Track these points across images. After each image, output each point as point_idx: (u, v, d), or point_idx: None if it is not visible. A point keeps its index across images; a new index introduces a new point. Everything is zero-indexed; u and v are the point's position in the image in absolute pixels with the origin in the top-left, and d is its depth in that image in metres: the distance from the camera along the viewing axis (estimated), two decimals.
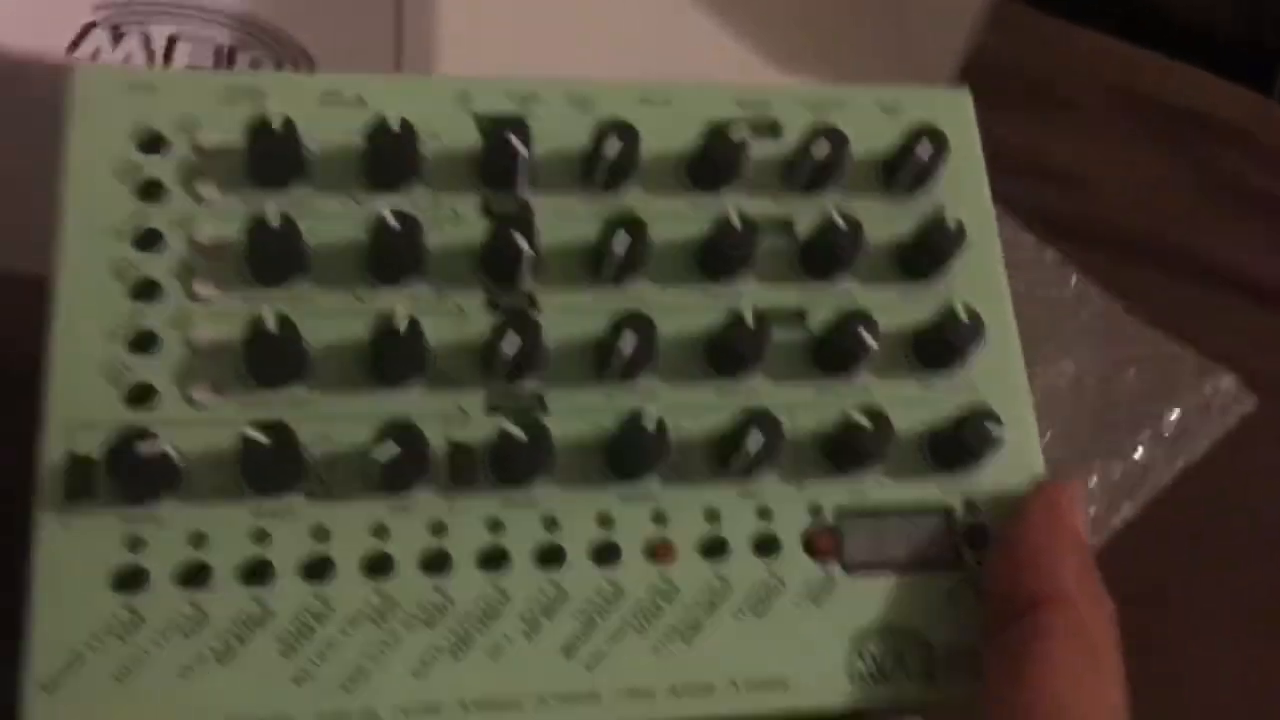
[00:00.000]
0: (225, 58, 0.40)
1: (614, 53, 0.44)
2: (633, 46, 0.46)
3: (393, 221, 0.27)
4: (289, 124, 0.28)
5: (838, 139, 0.30)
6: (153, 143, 0.28)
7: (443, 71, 0.40)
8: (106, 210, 0.28)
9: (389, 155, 0.28)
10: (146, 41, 0.39)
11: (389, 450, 0.25)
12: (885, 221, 0.31)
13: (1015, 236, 0.54)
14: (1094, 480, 0.50)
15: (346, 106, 0.29)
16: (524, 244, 0.28)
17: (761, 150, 0.31)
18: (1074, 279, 0.55)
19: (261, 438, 0.25)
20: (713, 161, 0.30)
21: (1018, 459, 0.30)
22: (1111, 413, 0.52)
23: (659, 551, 0.27)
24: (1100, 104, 0.60)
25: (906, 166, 0.31)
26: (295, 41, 0.40)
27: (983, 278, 0.31)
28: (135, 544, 0.25)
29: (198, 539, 0.25)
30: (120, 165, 0.28)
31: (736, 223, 0.29)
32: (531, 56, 0.38)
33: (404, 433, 0.26)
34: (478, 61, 0.37)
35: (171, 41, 0.40)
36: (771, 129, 0.31)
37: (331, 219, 0.28)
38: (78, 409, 0.26)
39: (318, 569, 0.26)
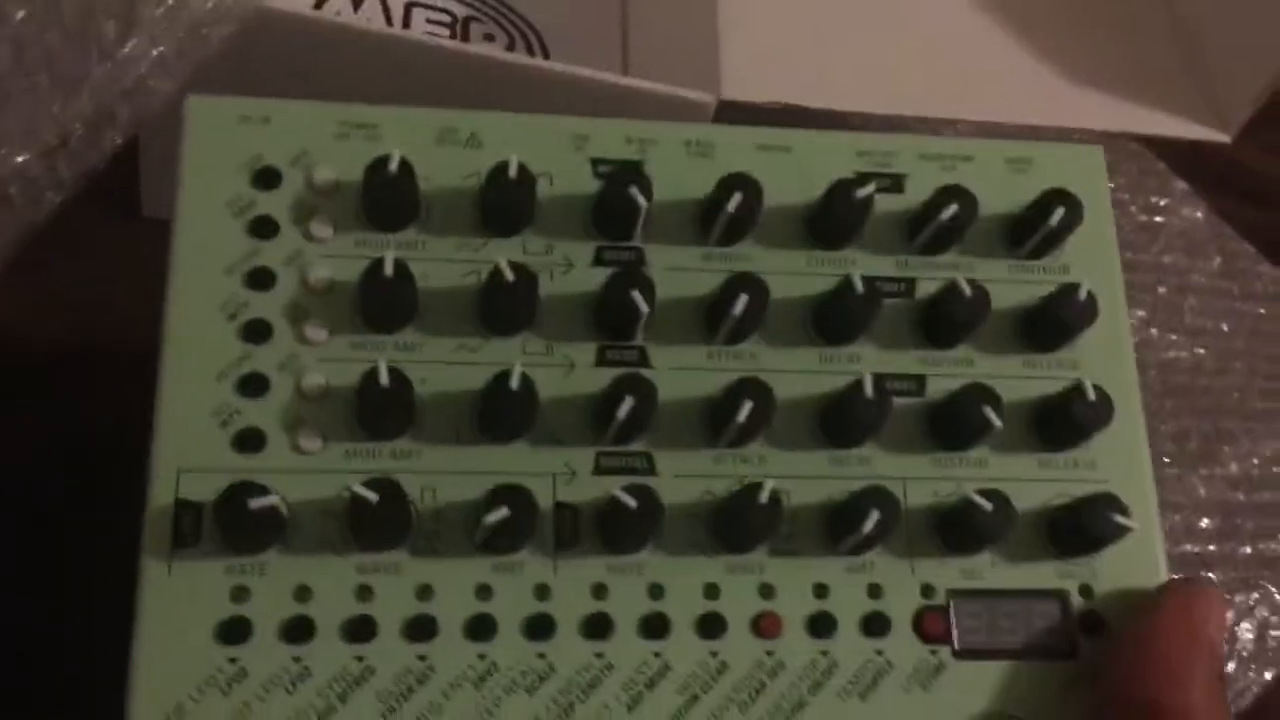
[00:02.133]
0: (460, 29, 0.41)
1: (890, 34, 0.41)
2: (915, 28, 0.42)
3: (509, 274, 0.26)
4: (406, 165, 0.27)
5: (967, 201, 0.29)
6: (266, 177, 0.28)
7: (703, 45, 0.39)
8: (219, 247, 0.27)
9: (506, 202, 0.28)
10: (385, 8, 0.40)
11: (499, 514, 0.25)
12: (1010, 287, 0.30)
13: None
14: None
15: (462, 146, 0.29)
16: (642, 303, 0.27)
17: (883, 206, 0.30)
18: None
19: (371, 495, 0.24)
20: (835, 219, 0.29)
21: (1137, 548, 0.28)
22: None
23: (765, 626, 0.26)
24: None
25: (1036, 231, 0.29)
26: (526, 19, 0.41)
27: (1111, 353, 0.30)
28: (240, 595, 0.25)
29: (302, 592, 0.25)
30: (233, 200, 0.28)
31: (859, 287, 0.28)
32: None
33: (515, 496, 0.25)
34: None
35: (409, 9, 0.41)
36: (894, 183, 0.30)
37: (445, 265, 0.28)
38: (186, 453, 0.26)
39: (420, 629, 0.25)
